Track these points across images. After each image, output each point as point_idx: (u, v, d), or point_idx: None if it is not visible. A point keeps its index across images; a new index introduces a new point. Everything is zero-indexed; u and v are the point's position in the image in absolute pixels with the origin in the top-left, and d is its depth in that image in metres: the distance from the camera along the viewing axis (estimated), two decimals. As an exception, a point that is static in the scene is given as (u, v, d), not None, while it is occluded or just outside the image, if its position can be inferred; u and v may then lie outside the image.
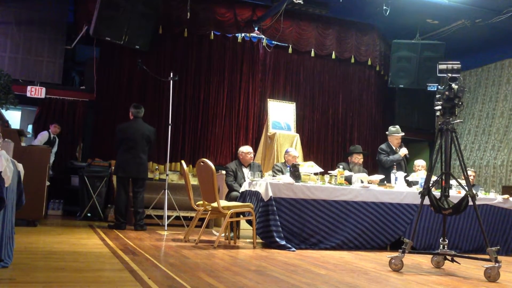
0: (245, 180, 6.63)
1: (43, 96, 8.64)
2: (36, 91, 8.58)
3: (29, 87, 8.53)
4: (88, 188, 7.90)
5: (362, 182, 6.46)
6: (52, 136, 8.55)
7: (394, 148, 7.55)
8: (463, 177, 4.65)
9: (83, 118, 9.21)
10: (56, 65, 8.96)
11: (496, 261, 4.16)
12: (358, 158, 7.49)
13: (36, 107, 9.00)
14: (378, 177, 6.97)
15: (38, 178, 6.37)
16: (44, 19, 8.89)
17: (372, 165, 10.07)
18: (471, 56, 10.65)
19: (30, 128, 9.04)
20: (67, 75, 9.46)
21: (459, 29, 9.59)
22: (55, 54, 8.95)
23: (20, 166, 3.72)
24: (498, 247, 4.44)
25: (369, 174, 7.88)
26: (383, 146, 7.63)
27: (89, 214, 7.93)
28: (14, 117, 9.77)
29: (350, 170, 7.19)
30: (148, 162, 8.82)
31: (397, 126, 7.76)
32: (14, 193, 3.60)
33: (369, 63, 10.61)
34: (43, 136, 8.44)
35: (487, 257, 4.25)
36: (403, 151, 7.51)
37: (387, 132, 7.73)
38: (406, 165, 7.67)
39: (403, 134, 7.68)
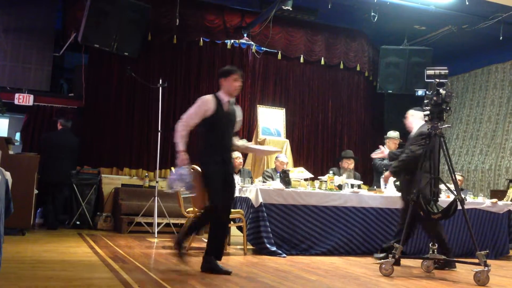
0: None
1: (31, 103, 8.56)
2: (24, 99, 8.51)
3: (16, 95, 8.44)
4: (77, 196, 7.84)
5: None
6: None
7: None
8: (451, 182, 4.69)
9: (72, 125, 9.12)
10: (44, 72, 8.86)
11: (486, 265, 4.19)
12: (348, 163, 7.52)
13: (24, 114, 8.91)
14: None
15: (26, 186, 6.31)
16: (32, 26, 8.79)
17: (363, 170, 10.09)
18: (458, 62, 10.74)
19: (18, 136, 8.94)
20: (55, 82, 9.36)
21: (446, 35, 9.68)
22: (43, 61, 8.86)
23: (8, 175, 3.68)
24: (487, 251, 4.47)
25: (361, 179, 7.90)
26: None
27: (78, 222, 7.85)
28: (1, 125, 9.67)
29: (341, 175, 7.21)
30: (138, 170, 8.86)
31: (397, 131, 7.81)
32: (2, 201, 3.56)
33: (358, 68, 10.66)
34: None
35: (476, 261, 4.28)
36: None
37: (385, 136, 7.76)
38: None
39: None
